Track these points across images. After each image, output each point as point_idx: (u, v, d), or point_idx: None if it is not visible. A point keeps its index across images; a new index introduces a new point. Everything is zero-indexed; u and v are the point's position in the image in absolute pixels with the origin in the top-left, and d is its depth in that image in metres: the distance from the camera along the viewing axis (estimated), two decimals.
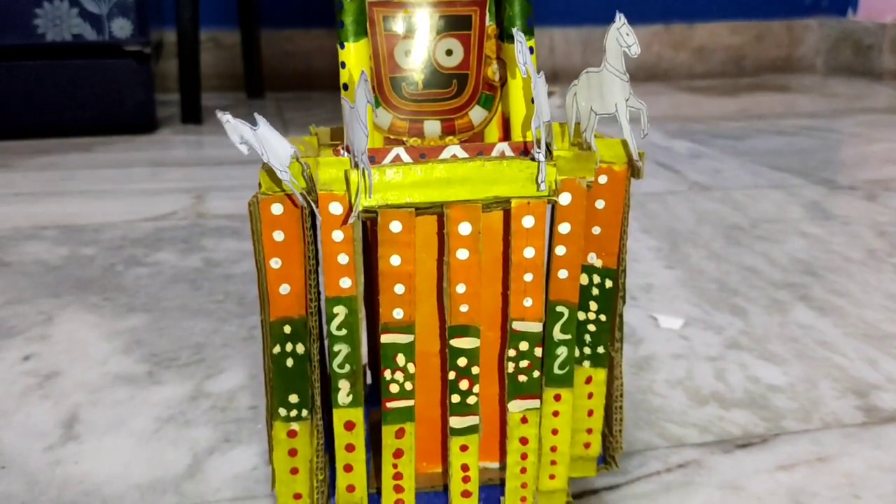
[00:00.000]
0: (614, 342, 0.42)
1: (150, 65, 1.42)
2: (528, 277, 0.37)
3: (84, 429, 0.52)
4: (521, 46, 0.34)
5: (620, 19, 0.36)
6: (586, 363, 0.42)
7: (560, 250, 0.37)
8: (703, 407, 0.54)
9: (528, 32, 0.37)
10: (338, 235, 0.35)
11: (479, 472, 0.40)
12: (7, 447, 0.50)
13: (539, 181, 0.35)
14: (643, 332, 0.65)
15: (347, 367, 0.37)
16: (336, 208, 0.34)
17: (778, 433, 0.51)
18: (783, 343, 0.63)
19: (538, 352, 0.38)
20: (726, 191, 1.06)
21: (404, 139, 0.39)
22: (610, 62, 0.36)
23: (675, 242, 0.86)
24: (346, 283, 0.36)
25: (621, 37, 0.36)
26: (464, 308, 0.36)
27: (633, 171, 0.39)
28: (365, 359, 0.46)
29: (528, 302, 0.37)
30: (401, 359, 0.37)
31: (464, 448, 0.39)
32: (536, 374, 0.38)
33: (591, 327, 0.42)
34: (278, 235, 0.35)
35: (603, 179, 0.39)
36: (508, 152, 0.37)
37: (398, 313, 0.36)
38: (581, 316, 0.41)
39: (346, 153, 0.36)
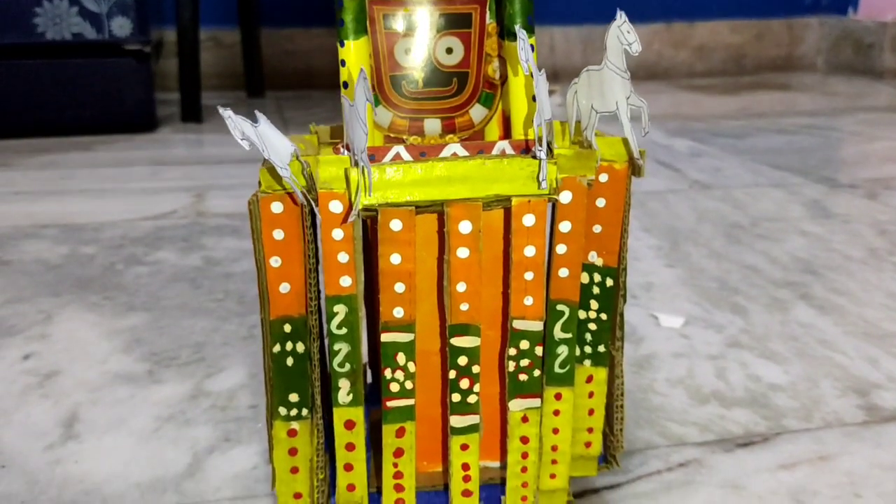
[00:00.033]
0: (615, 341, 0.42)
1: (150, 63, 1.42)
2: (529, 276, 0.36)
3: (84, 428, 0.52)
4: (523, 44, 0.34)
5: (621, 17, 0.36)
6: (587, 362, 0.42)
7: (561, 249, 0.37)
8: (703, 406, 0.54)
9: (529, 30, 0.37)
10: (338, 234, 0.35)
11: (480, 472, 0.40)
12: (7, 446, 0.50)
13: (540, 179, 0.35)
14: (644, 331, 0.64)
15: (347, 366, 0.37)
16: (336, 207, 0.34)
17: (779, 432, 0.50)
18: (784, 342, 0.63)
19: (539, 351, 0.38)
20: (727, 189, 1.06)
21: (404, 137, 0.39)
22: (611, 60, 0.36)
23: (676, 241, 0.86)
24: (346, 281, 0.36)
25: (622, 35, 0.36)
26: (464, 307, 0.36)
27: (634, 169, 0.39)
28: (365, 357, 0.46)
29: (528, 300, 0.37)
30: (401, 357, 0.37)
31: (464, 447, 0.39)
32: (537, 372, 0.38)
33: (592, 326, 0.41)
34: (278, 234, 0.35)
35: (604, 178, 0.39)
36: (509, 150, 0.37)
37: (398, 312, 0.36)
38: (582, 315, 0.41)
39: (346, 151, 0.36)
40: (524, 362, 0.38)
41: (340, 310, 0.36)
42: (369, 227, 0.40)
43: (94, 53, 1.39)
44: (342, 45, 0.37)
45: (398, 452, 0.38)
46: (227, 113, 0.33)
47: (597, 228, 0.40)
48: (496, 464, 0.42)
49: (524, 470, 0.40)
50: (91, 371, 0.59)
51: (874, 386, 0.56)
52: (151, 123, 1.45)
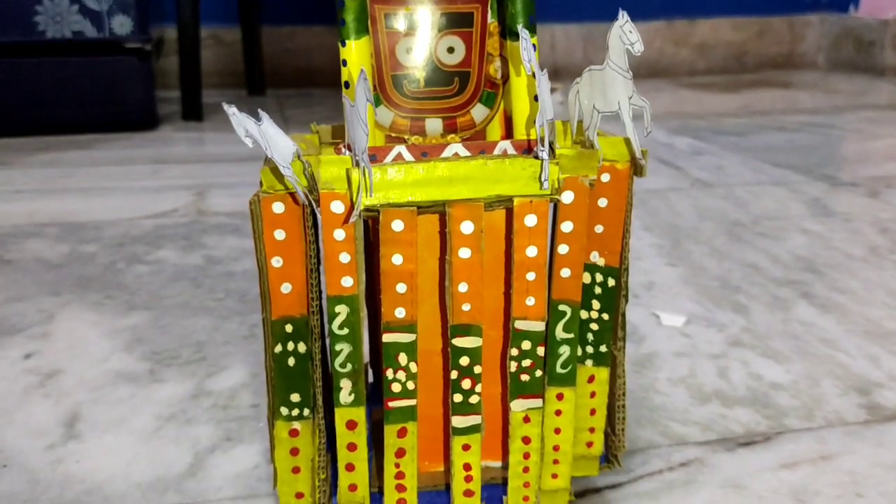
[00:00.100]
0: (617, 341, 0.42)
1: (150, 62, 1.42)
2: (531, 276, 0.36)
3: (85, 427, 0.52)
4: (525, 44, 0.34)
5: (623, 17, 0.36)
6: (589, 362, 0.42)
7: (562, 249, 0.37)
8: (705, 405, 0.53)
9: (531, 30, 0.37)
10: (339, 234, 0.35)
11: (482, 472, 0.40)
12: (8, 446, 0.50)
13: (542, 179, 0.35)
14: (645, 330, 0.64)
15: (349, 367, 0.37)
16: (337, 207, 0.34)
17: (780, 431, 0.50)
18: (785, 340, 0.63)
19: (541, 351, 0.38)
20: (728, 187, 1.06)
21: (406, 137, 0.39)
22: (613, 60, 0.36)
23: (677, 240, 0.86)
24: (347, 281, 0.36)
25: (624, 35, 0.35)
26: (466, 307, 0.36)
27: (636, 169, 0.39)
28: (366, 358, 0.46)
29: (530, 301, 0.37)
30: (403, 358, 0.37)
31: (466, 447, 0.39)
32: (539, 373, 0.38)
33: (594, 326, 0.41)
34: (279, 234, 0.35)
35: (606, 178, 0.39)
36: (511, 150, 0.37)
37: (400, 312, 0.36)
38: (583, 315, 0.41)
39: (347, 151, 0.36)
40: (526, 362, 0.38)
41: (342, 310, 0.36)
42: (371, 228, 0.40)
43: (95, 51, 1.39)
44: (343, 44, 0.37)
45: (400, 452, 0.38)
46: (231, 110, 0.33)
47: (599, 228, 0.40)
48: (498, 464, 0.42)
49: (526, 470, 0.40)
50: (92, 370, 0.59)
51: (876, 385, 0.56)
52: (152, 121, 1.45)
